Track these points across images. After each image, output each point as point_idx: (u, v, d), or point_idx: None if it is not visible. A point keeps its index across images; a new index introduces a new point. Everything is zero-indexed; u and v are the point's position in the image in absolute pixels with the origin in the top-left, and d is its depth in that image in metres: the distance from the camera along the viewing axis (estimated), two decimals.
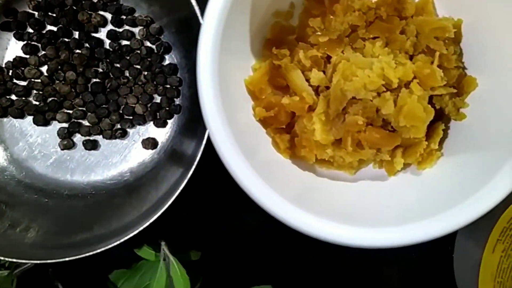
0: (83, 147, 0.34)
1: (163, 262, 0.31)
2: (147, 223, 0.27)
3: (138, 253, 0.32)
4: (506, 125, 0.27)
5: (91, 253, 0.28)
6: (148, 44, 0.34)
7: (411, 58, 0.30)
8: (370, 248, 0.26)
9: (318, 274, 0.36)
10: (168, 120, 0.34)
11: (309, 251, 0.36)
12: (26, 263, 0.32)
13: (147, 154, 0.34)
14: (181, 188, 0.27)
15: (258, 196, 0.28)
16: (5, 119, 0.35)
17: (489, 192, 0.25)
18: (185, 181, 0.27)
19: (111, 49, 0.34)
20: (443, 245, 0.35)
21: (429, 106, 0.29)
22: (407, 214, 0.27)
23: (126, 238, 0.28)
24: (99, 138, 0.34)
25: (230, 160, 0.27)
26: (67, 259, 0.29)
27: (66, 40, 0.34)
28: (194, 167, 0.28)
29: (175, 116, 0.34)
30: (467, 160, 0.29)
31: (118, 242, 0.28)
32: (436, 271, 0.35)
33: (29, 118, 0.35)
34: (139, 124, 0.34)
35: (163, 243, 0.31)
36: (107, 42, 0.34)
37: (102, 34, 0.35)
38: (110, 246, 0.28)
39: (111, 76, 0.34)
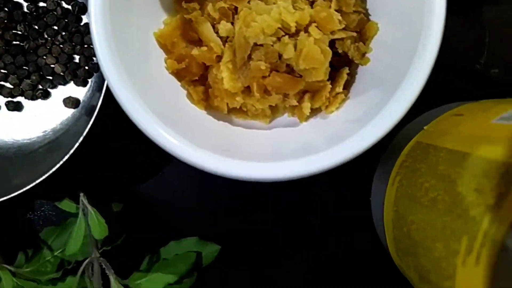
0: (6, 108, 0.35)
1: (82, 212, 0.32)
2: (52, 170, 0.28)
3: (59, 206, 0.33)
4: (398, 62, 0.28)
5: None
6: (64, 5, 0.34)
7: (312, 4, 0.31)
8: (275, 180, 0.28)
9: (242, 223, 0.37)
10: (88, 79, 0.35)
11: (232, 203, 0.37)
12: None
13: (69, 113, 0.35)
14: (84, 134, 0.28)
15: (173, 148, 0.28)
16: None
17: (375, 125, 0.27)
18: (87, 128, 0.28)
19: (28, 11, 0.35)
20: (364, 195, 0.37)
21: (327, 48, 0.30)
22: (309, 149, 0.29)
23: (37, 181, 0.29)
24: (21, 99, 0.35)
25: (137, 116, 0.28)
26: None
27: None
28: (94, 115, 0.28)
29: (95, 74, 0.35)
30: (365, 99, 0.30)
31: (30, 186, 0.29)
32: (357, 218, 0.37)
33: None
34: (60, 84, 0.35)
35: (81, 194, 0.32)
36: (25, 5, 0.35)
37: None
38: (24, 189, 0.29)
39: (30, 38, 0.35)
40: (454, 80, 0.36)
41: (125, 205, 0.35)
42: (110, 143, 0.36)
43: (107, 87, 0.29)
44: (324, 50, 0.29)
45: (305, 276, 0.37)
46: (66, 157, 0.29)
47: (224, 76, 0.31)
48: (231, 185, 0.37)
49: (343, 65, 0.32)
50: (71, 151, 0.29)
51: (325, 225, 0.37)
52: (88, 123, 0.28)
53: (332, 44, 0.31)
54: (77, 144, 0.28)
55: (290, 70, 0.31)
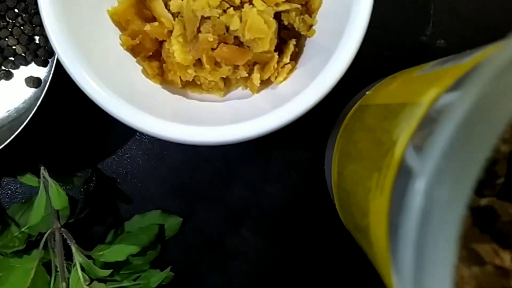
0: None
1: (43, 184, 0.33)
2: (6, 143, 0.30)
3: (22, 180, 0.34)
4: (336, 29, 0.30)
5: None
6: None
7: None
8: (225, 143, 0.29)
9: (203, 195, 0.38)
10: (48, 59, 0.36)
11: (193, 176, 0.38)
12: None
13: (31, 92, 0.36)
14: (34, 109, 0.30)
15: (129, 119, 0.29)
16: None
17: (314, 87, 0.28)
18: (38, 102, 0.30)
19: None
20: (320, 167, 0.38)
21: (271, 19, 0.31)
22: (257, 113, 0.30)
23: None
24: None
25: (94, 93, 0.29)
26: None
27: None
28: (45, 90, 0.30)
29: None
30: (310, 67, 0.32)
31: None
32: (314, 187, 0.38)
33: None
34: (21, 64, 0.36)
35: (42, 167, 0.33)
36: None
37: None
38: None
39: None
40: (401, 52, 0.37)
41: (89, 181, 0.37)
42: (71, 120, 0.37)
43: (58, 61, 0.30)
44: (268, 21, 0.31)
45: (265, 245, 0.38)
46: (19, 129, 0.30)
47: (175, 49, 0.32)
48: (192, 159, 0.38)
49: (291, 38, 0.34)
50: (24, 124, 0.30)
51: (284, 196, 0.38)
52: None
53: (279, 17, 0.33)
54: (29, 117, 0.30)
55: (239, 42, 0.32)
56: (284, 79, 0.33)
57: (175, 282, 0.37)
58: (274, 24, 0.31)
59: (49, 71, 0.36)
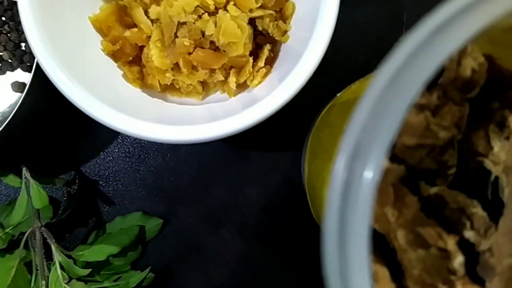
0: None
1: (25, 185, 0.34)
2: None
3: (5, 181, 0.35)
4: (306, 33, 0.31)
5: None
6: None
7: None
8: (202, 141, 0.30)
9: (183, 197, 0.39)
10: (33, 65, 0.37)
11: (173, 179, 0.39)
12: None
13: (16, 96, 0.38)
14: (14, 111, 0.31)
15: (109, 120, 0.30)
16: None
17: (283, 88, 0.29)
18: (17, 104, 0.31)
19: None
20: (298, 169, 0.39)
21: (244, 24, 0.32)
22: (230, 113, 0.31)
23: None
24: None
25: (75, 97, 0.30)
26: None
27: None
28: (24, 93, 0.31)
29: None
30: (282, 71, 0.33)
31: None
32: (293, 189, 0.39)
33: None
34: (8, 70, 0.37)
35: (24, 168, 0.34)
36: None
37: None
38: None
39: None
40: (376, 58, 0.38)
41: (72, 183, 0.38)
42: (55, 124, 0.39)
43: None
44: (241, 25, 0.32)
45: (244, 247, 0.39)
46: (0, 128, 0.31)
47: (153, 54, 0.34)
48: (172, 162, 0.39)
49: (267, 44, 0.35)
50: (4, 125, 0.31)
51: (263, 198, 0.39)
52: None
53: (254, 23, 0.34)
54: (9, 118, 0.31)
55: (215, 47, 0.34)
56: (259, 82, 0.34)
57: (156, 283, 0.38)
58: (247, 29, 0.32)
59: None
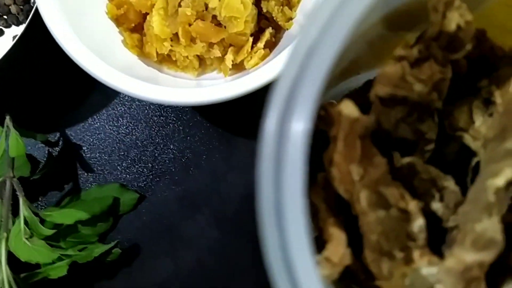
0: None
1: (5, 133, 0.33)
2: None
3: None
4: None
5: None
6: None
7: None
8: (185, 105, 0.29)
9: (164, 180, 0.38)
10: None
11: (157, 154, 0.38)
12: None
13: None
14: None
15: (102, 75, 0.30)
16: None
17: (270, 66, 0.29)
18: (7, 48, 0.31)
19: None
20: None
21: (248, 1, 0.32)
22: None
23: None
24: None
25: (72, 50, 0.30)
26: None
27: None
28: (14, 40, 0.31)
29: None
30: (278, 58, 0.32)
31: None
32: None
33: None
34: (13, 24, 0.38)
35: (8, 117, 0.34)
36: None
37: None
38: None
39: None
40: None
41: (55, 145, 0.37)
42: (49, 83, 0.38)
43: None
44: (245, 2, 0.32)
45: (220, 236, 0.37)
46: None
47: (155, 21, 0.33)
48: (158, 138, 0.38)
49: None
50: None
51: (245, 186, 0.37)
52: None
53: (260, 5, 0.34)
54: None
55: (217, 23, 0.33)
56: (256, 64, 0.34)
57: (122, 260, 0.36)
58: (250, 6, 0.32)
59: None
